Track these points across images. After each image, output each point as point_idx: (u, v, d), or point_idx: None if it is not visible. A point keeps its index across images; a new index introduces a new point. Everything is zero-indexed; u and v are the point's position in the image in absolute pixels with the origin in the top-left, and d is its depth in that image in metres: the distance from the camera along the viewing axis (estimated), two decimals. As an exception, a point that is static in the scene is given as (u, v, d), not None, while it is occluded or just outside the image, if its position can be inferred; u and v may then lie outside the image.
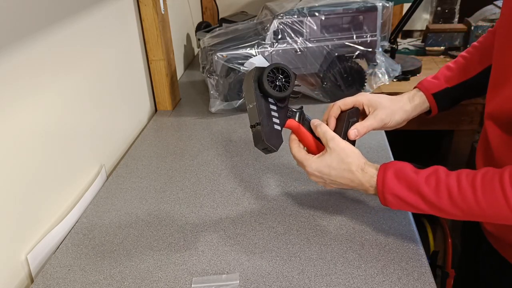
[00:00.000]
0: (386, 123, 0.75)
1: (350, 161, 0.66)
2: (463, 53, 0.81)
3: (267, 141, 0.66)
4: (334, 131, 0.75)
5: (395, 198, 0.63)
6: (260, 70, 0.69)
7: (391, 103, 0.76)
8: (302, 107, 0.73)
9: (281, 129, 0.70)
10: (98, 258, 0.73)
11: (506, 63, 0.62)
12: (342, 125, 0.73)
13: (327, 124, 0.76)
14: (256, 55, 1.14)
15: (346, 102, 0.76)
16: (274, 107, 0.70)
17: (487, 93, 0.70)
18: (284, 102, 0.71)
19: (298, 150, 0.72)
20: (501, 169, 0.57)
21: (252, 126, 0.68)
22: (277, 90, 0.68)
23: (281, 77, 0.69)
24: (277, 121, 0.69)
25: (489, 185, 0.56)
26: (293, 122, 0.72)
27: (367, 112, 0.77)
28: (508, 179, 0.54)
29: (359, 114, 0.76)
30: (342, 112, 0.76)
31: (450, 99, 0.79)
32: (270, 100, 0.69)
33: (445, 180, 0.59)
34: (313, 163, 0.69)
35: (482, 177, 0.57)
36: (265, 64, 0.67)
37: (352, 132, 0.72)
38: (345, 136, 0.72)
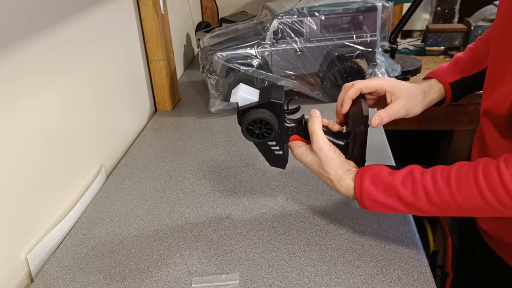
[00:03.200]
0: (407, 114, 0.74)
1: (327, 170, 0.67)
2: (471, 45, 0.81)
3: (271, 165, 0.74)
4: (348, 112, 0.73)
5: (373, 203, 0.63)
6: (243, 112, 0.67)
7: (413, 96, 0.74)
8: (303, 116, 0.71)
9: (283, 152, 0.72)
10: (98, 258, 0.73)
11: (502, 61, 0.63)
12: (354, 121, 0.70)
13: (341, 104, 0.73)
14: (256, 55, 1.14)
15: (369, 86, 0.72)
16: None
17: (483, 90, 0.70)
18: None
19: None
20: (475, 162, 0.57)
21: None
22: (258, 138, 0.68)
23: (260, 125, 0.67)
24: (277, 147, 0.71)
25: (464, 180, 0.56)
26: (295, 137, 0.71)
27: (388, 100, 0.74)
28: (481, 173, 0.55)
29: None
30: (360, 95, 0.72)
31: (464, 89, 0.78)
32: None
33: (421, 180, 0.59)
34: (298, 152, 0.70)
35: (456, 173, 0.57)
36: (254, 95, 0.67)
37: (376, 119, 0.70)
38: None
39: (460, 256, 0.96)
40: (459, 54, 0.81)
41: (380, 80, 0.73)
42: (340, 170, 0.66)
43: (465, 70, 0.78)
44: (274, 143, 0.70)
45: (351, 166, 0.67)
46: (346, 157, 0.68)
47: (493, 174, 0.54)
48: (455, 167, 0.58)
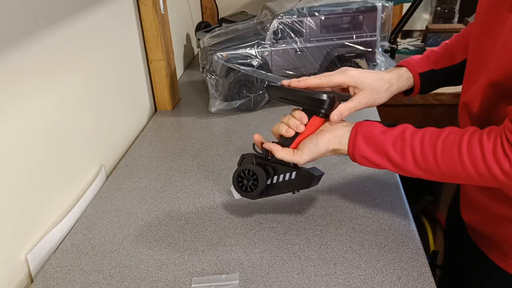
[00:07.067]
0: (370, 105, 0.75)
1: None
2: (446, 41, 0.83)
3: (308, 186, 0.71)
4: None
5: (363, 160, 0.66)
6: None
7: (376, 88, 0.74)
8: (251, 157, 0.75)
9: (298, 169, 0.71)
10: (98, 258, 0.73)
11: (479, 56, 0.65)
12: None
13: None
14: (256, 55, 1.14)
15: (332, 82, 0.72)
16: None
17: (462, 84, 0.71)
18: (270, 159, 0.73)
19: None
20: (463, 130, 0.59)
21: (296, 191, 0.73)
22: (246, 191, 0.72)
23: (249, 178, 0.72)
24: (285, 174, 0.72)
25: (448, 149, 0.59)
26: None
27: (351, 92, 0.74)
28: (465, 144, 0.58)
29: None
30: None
31: (434, 81, 0.80)
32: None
33: (410, 142, 0.62)
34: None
35: (443, 141, 0.60)
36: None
37: (334, 115, 0.69)
38: None
39: (449, 252, 0.96)
40: (433, 48, 0.82)
41: (343, 75, 0.72)
42: (323, 148, 0.68)
43: (436, 63, 0.80)
44: (276, 177, 0.72)
45: (327, 132, 0.68)
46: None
47: (476, 146, 0.57)
48: (445, 133, 0.60)
